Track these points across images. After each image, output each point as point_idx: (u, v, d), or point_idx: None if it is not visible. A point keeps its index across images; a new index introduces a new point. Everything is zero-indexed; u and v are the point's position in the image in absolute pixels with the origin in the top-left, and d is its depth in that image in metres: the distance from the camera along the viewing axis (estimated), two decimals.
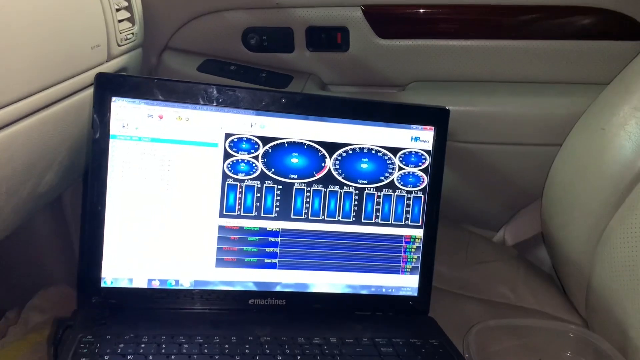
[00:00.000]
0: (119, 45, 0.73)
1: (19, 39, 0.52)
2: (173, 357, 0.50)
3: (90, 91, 0.67)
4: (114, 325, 0.54)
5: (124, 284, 0.58)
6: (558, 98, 0.79)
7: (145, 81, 0.56)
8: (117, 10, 0.72)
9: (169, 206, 0.58)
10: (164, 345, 0.51)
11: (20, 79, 0.53)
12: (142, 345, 0.51)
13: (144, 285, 0.58)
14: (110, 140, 0.56)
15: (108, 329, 0.53)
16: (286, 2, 0.81)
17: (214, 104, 0.58)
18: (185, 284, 0.59)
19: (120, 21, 0.73)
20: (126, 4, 0.75)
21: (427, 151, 0.63)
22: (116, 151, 0.56)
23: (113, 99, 0.56)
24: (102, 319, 0.55)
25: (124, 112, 0.56)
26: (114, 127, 0.56)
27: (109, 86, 0.56)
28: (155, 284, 0.58)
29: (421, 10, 0.80)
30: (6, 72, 0.51)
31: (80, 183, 0.83)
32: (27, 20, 0.54)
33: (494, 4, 0.79)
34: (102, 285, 0.57)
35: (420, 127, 0.62)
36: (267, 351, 0.53)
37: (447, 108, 0.63)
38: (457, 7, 0.80)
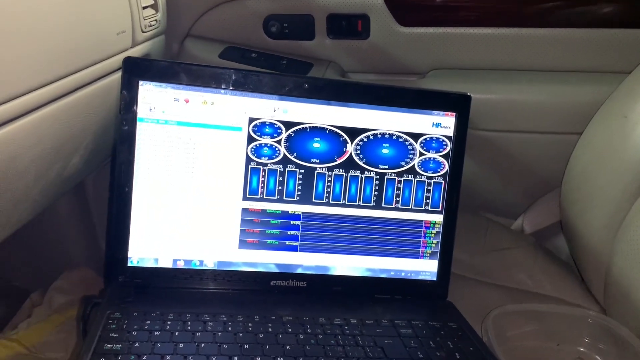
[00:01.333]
0: (143, 32, 0.74)
1: (46, 24, 0.54)
2: (198, 333, 0.51)
3: (116, 76, 0.68)
4: (141, 303, 0.56)
5: (149, 263, 0.59)
6: (579, 86, 0.79)
7: (172, 65, 0.57)
8: None
9: (194, 188, 0.59)
10: (189, 323, 0.53)
11: (47, 63, 0.55)
12: (168, 322, 0.53)
13: (169, 265, 0.60)
14: (138, 123, 0.57)
15: (135, 307, 0.55)
16: None
17: (239, 89, 0.59)
18: (209, 264, 0.60)
19: (144, 8, 0.74)
20: None
21: (448, 137, 0.63)
22: (143, 134, 0.58)
23: (140, 82, 0.57)
24: (128, 297, 0.57)
25: (151, 95, 0.57)
26: (141, 111, 0.57)
27: (136, 70, 0.57)
28: (180, 264, 0.60)
29: None
30: (33, 57, 0.52)
31: (102, 168, 0.85)
32: (54, 5, 0.55)
33: None
34: (129, 264, 0.59)
35: (441, 113, 0.63)
36: (289, 330, 0.54)
37: (468, 94, 0.63)
38: None
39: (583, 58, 0.79)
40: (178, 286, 0.60)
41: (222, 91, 0.59)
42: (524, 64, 0.81)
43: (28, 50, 0.52)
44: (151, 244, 0.59)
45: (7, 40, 0.49)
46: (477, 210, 0.88)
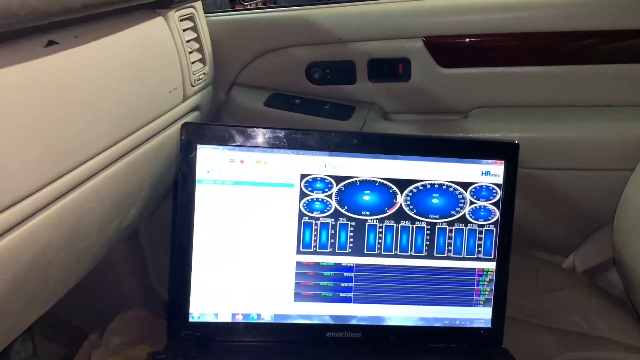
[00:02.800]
0: (193, 86, 0.77)
1: (106, 91, 0.57)
2: None
3: (169, 132, 0.71)
4: (203, 358, 0.58)
5: (210, 318, 0.61)
6: (629, 122, 0.78)
7: (227, 129, 0.60)
8: (190, 52, 0.77)
9: (250, 244, 0.61)
10: None
11: (108, 128, 0.58)
12: None
13: (229, 319, 0.62)
14: (197, 185, 0.60)
15: None
16: (348, 37, 0.84)
17: (290, 147, 0.61)
18: (266, 317, 0.62)
19: (192, 63, 0.77)
20: (198, 46, 0.79)
21: (498, 185, 0.64)
22: (201, 194, 0.60)
23: (199, 146, 0.59)
24: (191, 351, 0.59)
25: (209, 158, 0.60)
26: (200, 172, 0.60)
27: (194, 135, 0.60)
28: (239, 318, 0.62)
29: (482, 39, 0.81)
30: (97, 124, 0.55)
31: (154, 214, 0.88)
32: (115, 74, 0.58)
33: (555, 30, 0.78)
34: (190, 320, 0.61)
35: (490, 161, 0.63)
36: None
37: (516, 142, 0.64)
38: (518, 35, 0.80)
39: (631, 92, 0.79)
40: (237, 340, 0.61)
41: (275, 150, 0.61)
42: (569, 100, 0.81)
43: (93, 117, 0.55)
44: (211, 299, 0.61)
45: (74, 111, 0.52)
46: (527, 250, 0.88)
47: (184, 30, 0.75)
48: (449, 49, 0.82)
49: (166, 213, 0.81)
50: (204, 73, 0.81)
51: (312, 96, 0.89)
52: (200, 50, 0.80)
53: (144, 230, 0.98)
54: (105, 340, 0.94)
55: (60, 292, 0.64)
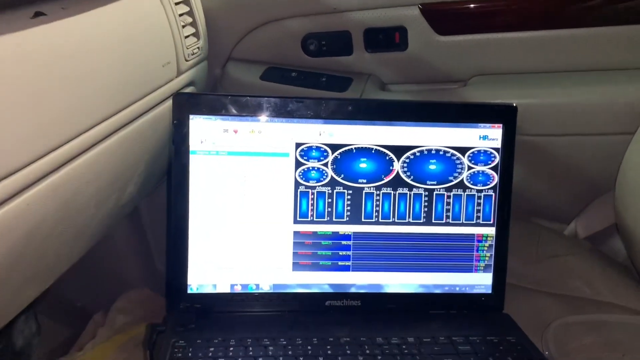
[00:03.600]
0: (187, 60, 0.76)
1: (98, 65, 0.56)
2: (260, 359, 0.53)
3: (164, 106, 0.70)
4: (202, 329, 0.58)
5: (208, 289, 0.61)
6: (629, 84, 0.77)
7: (219, 98, 0.59)
8: (183, 26, 0.76)
9: (246, 215, 0.61)
10: (250, 348, 0.54)
11: (101, 102, 0.57)
12: (231, 349, 0.54)
13: (227, 290, 0.61)
14: (191, 156, 0.59)
15: (197, 334, 0.57)
16: (343, 6, 0.82)
17: (284, 116, 0.60)
18: (265, 287, 0.62)
19: (186, 37, 0.76)
20: (191, 19, 0.78)
21: (496, 149, 0.63)
22: (196, 165, 0.60)
23: (191, 117, 0.59)
24: (190, 323, 0.59)
25: (202, 128, 0.59)
26: (193, 143, 0.59)
27: (186, 105, 0.59)
28: (238, 289, 0.62)
29: (480, 4, 0.80)
30: (89, 97, 0.55)
31: (155, 192, 0.87)
32: (105, 47, 0.58)
33: None
34: (189, 291, 0.61)
35: (488, 125, 0.62)
36: (348, 352, 0.55)
37: (514, 105, 0.63)
38: None
39: (632, 55, 0.77)
40: (236, 310, 0.61)
41: (269, 119, 0.60)
42: (569, 65, 0.79)
43: (86, 92, 0.54)
44: (209, 270, 0.61)
45: (65, 83, 0.51)
46: (528, 217, 0.87)
47: (176, 3, 0.74)
48: (446, 16, 0.80)
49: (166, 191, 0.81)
50: (198, 47, 0.79)
51: (308, 69, 0.87)
52: (193, 24, 0.79)
53: (145, 209, 0.98)
54: (110, 319, 0.95)
55: (60, 268, 0.64)
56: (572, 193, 0.85)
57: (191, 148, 0.59)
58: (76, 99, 0.53)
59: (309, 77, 0.87)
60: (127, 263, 1.02)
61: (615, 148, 0.75)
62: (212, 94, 0.70)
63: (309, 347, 0.55)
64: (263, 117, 0.60)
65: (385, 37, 0.84)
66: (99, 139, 0.58)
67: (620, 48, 0.77)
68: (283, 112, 0.60)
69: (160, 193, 0.86)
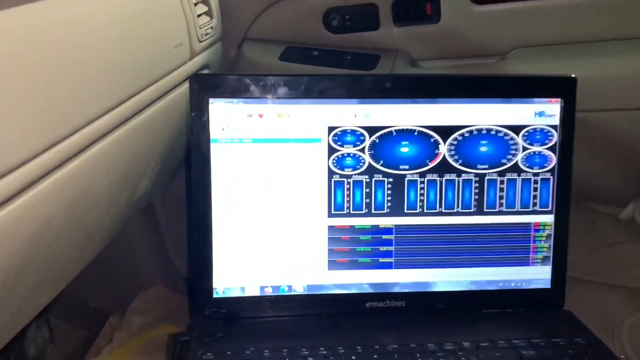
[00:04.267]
0: (200, 42, 0.71)
1: (104, 46, 0.51)
2: None
3: (177, 92, 0.65)
4: (231, 337, 0.52)
5: (236, 293, 0.55)
6: None
7: (242, 79, 0.53)
8: (195, 4, 0.70)
9: (276, 208, 0.55)
10: (287, 359, 0.48)
11: (109, 88, 0.52)
12: None
13: (257, 292, 0.55)
14: (211, 145, 0.53)
15: (226, 343, 0.51)
16: None
17: (314, 96, 0.54)
18: (299, 289, 0.56)
19: (198, 16, 0.71)
20: None
21: (554, 126, 0.56)
22: (217, 155, 0.53)
23: (210, 100, 0.52)
24: (217, 331, 0.53)
25: (223, 113, 0.53)
26: (214, 131, 0.53)
27: (204, 88, 0.53)
28: (268, 291, 0.56)
29: None
30: (97, 83, 0.49)
31: (169, 185, 0.82)
32: (111, 27, 0.52)
33: None
34: (214, 295, 0.55)
35: (544, 100, 0.55)
36: None
37: (573, 76, 0.55)
38: None
39: None
40: (267, 315, 0.56)
41: (297, 100, 0.54)
42: (623, 32, 0.72)
43: (91, 77, 0.49)
44: (236, 272, 0.55)
45: (67, 68, 0.46)
46: (579, 201, 0.80)
47: None
48: None
49: (182, 184, 0.76)
50: (211, 27, 0.74)
51: (331, 47, 0.81)
52: (205, 1, 0.73)
53: (159, 203, 0.93)
54: (126, 321, 0.91)
55: (71, 272, 0.59)
56: (629, 174, 0.78)
57: (212, 136, 0.53)
58: (82, 85, 0.47)
59: (332, 56, 0.80)
60: (142, 260, 0.98)
61: None
62: (234, 73, 0.64)
63: (353, 357, 0.49)
64: (291, 99, 0.53)
65: (416, 9, 0.77)
66: (108, 129, 0.53)
67: None
68: (313, 92, 0.53)
69: (174, 184, 0.81)
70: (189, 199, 0.54)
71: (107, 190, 0.56)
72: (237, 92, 0.53)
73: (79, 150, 0.49)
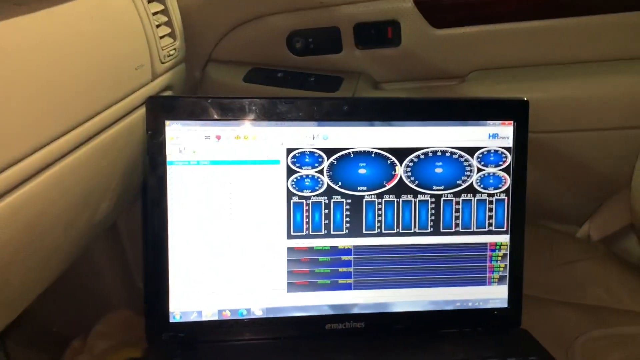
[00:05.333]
0: (162, 63, 0.70)
1: (62, 68, 0.50)
2: None
3: (138, 113, 0.64)
4: None
5: (193, 317, 0.54)
6: None
7: (199, 101, 0.53)
8: (158, 26, 0.70)
9: (234, 231, 0.54)
10: None
11: (66, 109, 0.51)
12: None
13: (215, 317, 0.55)
14: (168, 167, 0.53)
15: None
16: (331, 0, 0.77)
17: (273, 119, 0.54)
18: (257, 312, 0.55)
19: (161, 37, 0.70)
20: (166, 19, 0.72)
21: (508, 148, 0.57)
22: (175, 178, 0.53)
23: (167, 122, 0.52)
24: (174, 356, 0.52)
25: (180, 135, 0.53)
26: (171, 153, 0.53)
27: (161, 110, 0.52)
28: (226, 315, 0.55)
29: None
30: (54, 104, 0.49)
31: (133, 206, 0.81)
32: (68, 48, 0.51)
33: None
34: (171, 320, 0.54)
35: (497, 122, 0.57)
36: None
37: (525, 99, 0.57)
38: None
39: None
40: (226, 339, 0.55)
41: (256, 123, 0.54)
42: (577, 56, 0.74)
43: (48, 97, 0.48)
44: (193, 295, 0.54)
45: (21, 89, 0.45)
46: (536, 221, 0.81)
47: (149, 1, 0.68)
48: (441, 7, 0.75)
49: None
50: (174, 48, 0.74)
51: (295, 69, 0.82)
52: (168, 23, 0.73)
53: (123, 225, 0.91)
54: (89, 345, 0.88)
55: (28, 296, 0.57)
56: (584, 192, 0.80)
57: (168, 158, 0.53)
58: (36, 107, 0.47)
59: (296, 78, 0.81)
60: (106, 283, 0.96)
61: (630, 143, 0.70)
62: (191, 96, 0.63)
63: None
64: (249, 121, 0.53)
65: (377, 32, 0.78)
66: (66, 151, 0.52)
67: (631, 36, 0.72)
68: (271, 114, 0.54)
69: (138, 205, 0.80)
70: (145, 223, 0.54)
71: (64, 214, 0.55)
72: (194, 114, 0.53)
73: (36, 172, 0.48)
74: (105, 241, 0.92)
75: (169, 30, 0.73)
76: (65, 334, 0.91)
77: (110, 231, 0.91)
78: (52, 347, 0.90)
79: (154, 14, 0.69)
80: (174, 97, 0.63)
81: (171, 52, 0.72)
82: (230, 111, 0.53)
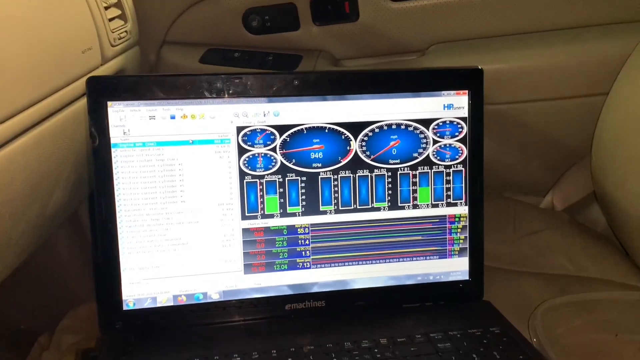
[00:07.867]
0: (113, 46, 0.68)
1: (2, 51, 0.47)
2: None
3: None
4: (144, 351, 0.50)
5: (147, 304, 0.53)
6: (599, 41, 0.71)
7: (142, 79, 0.51)
8: (106, 8, 0.67)
9: (186, 214, 0.53)
10: None
11: (9, 94, 0.49)
12: None
13: (170, 302, 0.53)
14: (112, 150, 0.51)
15: (138, 357, 0.49)
16: None
17: (221, 96, 0.52)
18: (214, 296, 0.54)
19: (110, 20, 0.68)
20: (115, 0, 0.70)
21: (463, 118, 0.56)
22: (120, 161, 0.51)
23: (109, 104, 0.50)
24: (128, 345, 0.51)
25: (123, 117, 0.51)
26: (115, 135, 0.51)
27: (103, 90, 0.50)
28: (182, 300, 0.54)
29: None
30: None
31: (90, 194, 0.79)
32: (11, 30, 0.49)
33: None
34: (125, 308, 0.52)
35: (452, 92, 0.56)
36: None
37: (479, 67, 0.56)
38: None
39: (600, 10, 0.72)
40: (183, 324, 0.53)
41: (203, 101, 0.52)
42: (533, 25, 0.74)
43: None
44: (146, 282, 0.53)
45: None
46: (500, 192, 0.81)
47: None
48: None
49: None
50: (125, 31, 0.71)
51: (252, 48, 0.80)
52: (118, 4, 0.70)
53: (85, 213, 0.89)
54: (55, 340, 0.86)
55: None
56: (546, 163, 0.79)
57: (112, 141, 0.51)
58: None
59: (254, 57, 0.79)
60: (71, 276, 0.93)
61: (590, 111, 0.70)
62: (133, 75, 0.61)
63: None
64: (196, 99, 0.52)
65: (334, 8, 0.77)
66: (6, 138, 0.49)
67: (589, 3, 0.71)
68: (219, 91, 0.52)
69: None
70: (92, 208, 0.52)
71: (11, 203, 0.53)
72: (137, 93, 0.51)
73: None
74: (69, 233, 0.89)
75: (119, 12, 0.70)
76: (34, 331, 0.89)
77: (72, 223, 0.89)
78: (20, 345, 0.88)
79: None
80: (116, 76, 0.61)
81: (122, 35, 0.70)
82: (175, 89, 0.51)
